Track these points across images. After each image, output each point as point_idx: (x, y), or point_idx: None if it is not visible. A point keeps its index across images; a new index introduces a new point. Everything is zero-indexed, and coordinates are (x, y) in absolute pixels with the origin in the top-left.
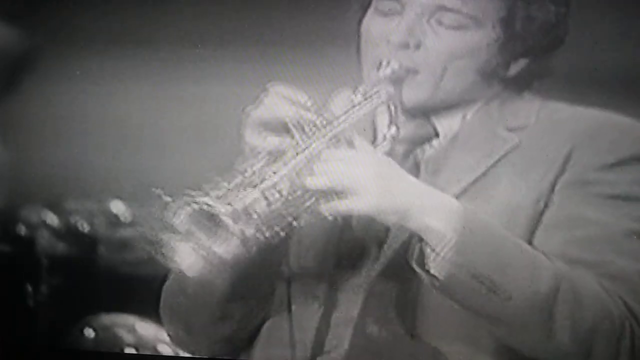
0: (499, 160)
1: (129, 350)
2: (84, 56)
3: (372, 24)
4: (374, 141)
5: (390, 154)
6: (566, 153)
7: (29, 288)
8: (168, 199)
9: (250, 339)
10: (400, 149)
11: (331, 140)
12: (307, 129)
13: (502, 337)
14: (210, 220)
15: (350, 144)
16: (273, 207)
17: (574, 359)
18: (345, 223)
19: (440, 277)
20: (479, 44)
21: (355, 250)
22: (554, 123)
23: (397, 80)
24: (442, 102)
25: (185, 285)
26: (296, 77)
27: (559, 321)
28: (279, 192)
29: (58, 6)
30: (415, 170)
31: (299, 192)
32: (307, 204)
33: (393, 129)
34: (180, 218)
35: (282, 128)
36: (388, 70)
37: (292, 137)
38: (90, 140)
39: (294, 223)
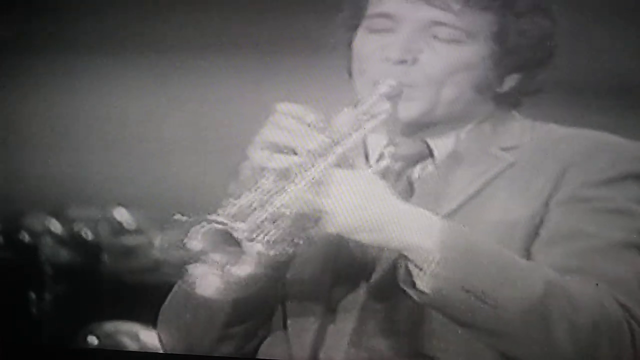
0: (493, 178)
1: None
2: (88, 62)
3: (365, 42)
4: (366, 160)
5: (384, 172)
6: (560, 171)
7: (33, 295)
8: (182, 218)
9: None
10: (395, 168)
11: (337, 159)
12: (313, 148)
13: (504, 350)
14: (225, 240)
15: (349, 164)
16: (281, 226)
17: None
18: (341, 241)
19: (427, 292)
20: (474, 58)
21: (351, 267)
22: (548, 143)
23: (394, 97)
24: (440, 118)
25: (190, 304)
26: (303, 94)
27: (556, 327)
28: (287, 211)
29: (58, 11)
30: (409, 190)
31: (303, 212)
32: (311, 223)
33: (391, 147)
34: (195, 239)
35: (290, 148)
36: (385, 88)
37: (299, 156)
38: (94, 148)
39: (298, 241)
